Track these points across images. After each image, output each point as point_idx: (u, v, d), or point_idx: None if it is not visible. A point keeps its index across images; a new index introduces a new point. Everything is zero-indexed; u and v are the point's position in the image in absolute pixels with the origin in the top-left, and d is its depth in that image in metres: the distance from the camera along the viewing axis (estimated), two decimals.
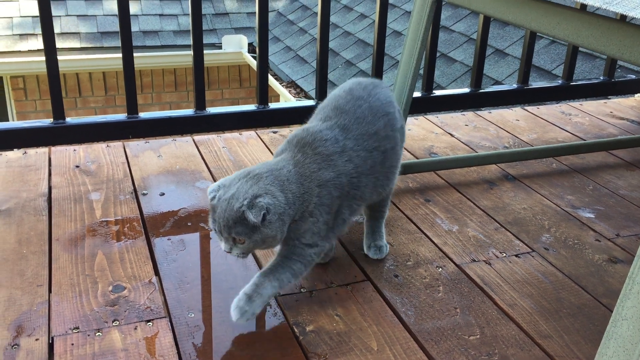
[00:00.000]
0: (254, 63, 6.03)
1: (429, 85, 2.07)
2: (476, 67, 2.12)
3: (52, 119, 1.76)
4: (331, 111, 1.33)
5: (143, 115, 1.81)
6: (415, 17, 1.54)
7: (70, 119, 1.78)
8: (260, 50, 1.88)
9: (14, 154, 1.90)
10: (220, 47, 6.29)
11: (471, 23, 4.43)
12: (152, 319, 1.23)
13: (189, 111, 1.89)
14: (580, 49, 2.34)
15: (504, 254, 1.50)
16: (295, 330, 1.23)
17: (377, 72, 2.05)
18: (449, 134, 2.21)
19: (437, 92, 2.17)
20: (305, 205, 1.20)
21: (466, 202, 1.74)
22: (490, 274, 1.42)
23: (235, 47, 6.21)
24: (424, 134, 2.20)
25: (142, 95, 6.43)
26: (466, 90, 2.17)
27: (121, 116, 1.80)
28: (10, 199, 1.66)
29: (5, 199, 1.66)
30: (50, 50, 1.67)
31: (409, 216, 1.66)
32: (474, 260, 1.48)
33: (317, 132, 1.27)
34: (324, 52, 1.92)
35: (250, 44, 6.34)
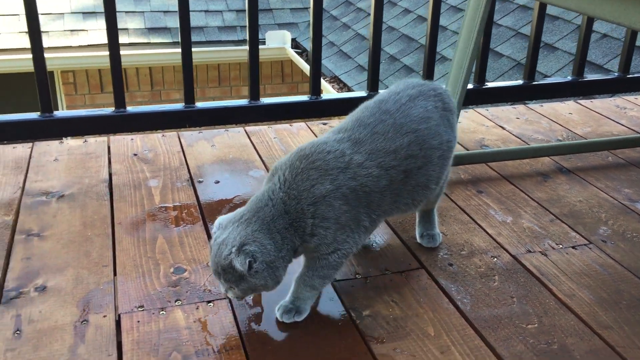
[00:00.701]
0: (296, 58, 6.07)
1: (481, 77, 2.06)
2: (530, 58, 2.09)
3: (113, 108, 1.82)
4: (351, 122, 1.24)
5: (199, 104, 1.86)
6: (472, 6, 1.54)
7: (130, 108, 1.84)
8: (314, 39, 1.90)
9: (75, 142, 1.97)
10: (263, 43, 6.34)
11: (519, 17, 4.36)
12: (213, 300, 1.27)
13: (243, 101, 1.92)
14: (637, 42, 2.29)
15: (561, 246, 1.49)
16: (352, 314, 1.25)
17: (429, 68, 2.05)
18: (500, 126, 2.19)
19: (490, 84, 2.16)
20: (301, 232, 1.14)
21: (520, 194, 1.73)
22: (546, 265, 1.41)
23: (278, 42, 6.26)
24: (474, 126, 2.19)
25: None
26: (519, 82, 2.15)
27: (178, 106, 1.85)
28: (74, 184, 1.72)
29: (68, 184, 1.72)
30: (113, 44, 1.73)
31: (462, 207, 1.66)
32: (530, 251, 1.47)
33: (321, 144, 1.18)
34: (377, 41, 1.93)
35: (293, 40, 6.38)
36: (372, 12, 1.93)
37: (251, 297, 1.28)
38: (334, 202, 1.14)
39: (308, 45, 6.11)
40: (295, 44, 6.37)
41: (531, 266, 1.41)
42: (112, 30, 1.69)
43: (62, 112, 1.80)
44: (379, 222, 1.26)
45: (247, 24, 1.84)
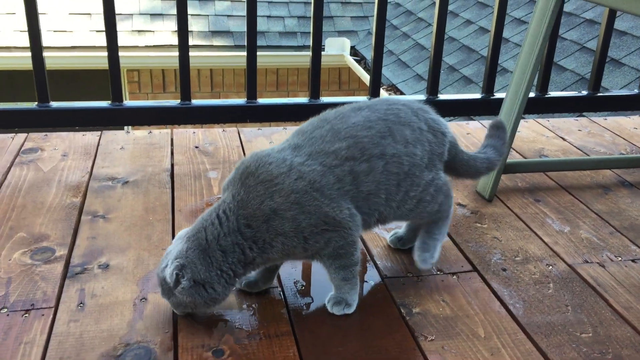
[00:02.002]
0: (355, 66, 6.11)
1: (544, 85, 2.03)
2: (595, 70, 2.05)
3: (179, 100, 1.89)
4: (293, 135, 1.24)
5: (261, 101, 1.90)
6: (539, 11, 1.52)
7: (195, 101, 1.91)
8: (376, 41, 1.93)
9: (140, 133, 2.05)
10: (322, 49, 6.40)
11: (585, 31, 4.27)
12: (268, 287, 1.30)
13: (303, 99, 1.96)
14: None
15: (620, 258, 1.45)
16: (402, 310, 1.25)
17: (490, 79, 2.04)
18: (561, 137, 2.15)
19: (553, 93, 2.12)
20: (260, 246, 1.13)
21: (579, 205, 1.70)
22: (604, 276, 1.38)
23: (337, 49, 6.32)
24: (534, 136, 2.16)
25: (244, 93, 6.70)
26: (583, 92, 2.11)
27: (241, 101, 1.90)
28: (137, 172, 1.79)
29: (133, 171, 1.79)
30: (183, 44, 1.81)
31: (517, 214, 1.64)
32: (587, 262, 1.44)
33: (264, 157, 1.17)
34: (439, 44, 1.93)
35: (352, 47, 6.42)
36: (435, 20, 1.94)
37: (302, 287, 1.31)
38: (286, 214, 1.12)
39: (367, 54, 6.14)
40: (354, 52, 6.41)
41: (588, 276, 1.38)
42: (183, 25, 1.76)
43: (130, 102, 1.89)
44: (357, 216, 1.20)
45: (312, 15, 1.87)
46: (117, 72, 1.80)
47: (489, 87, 2.04)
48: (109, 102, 1.85)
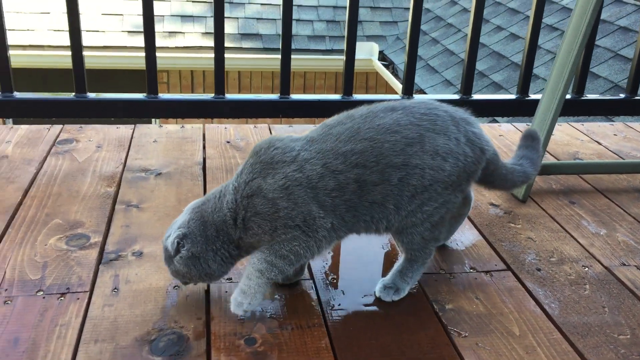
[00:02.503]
0: (383, 70, 6.10)
1: (580, 87, 2.00)
2: (634, 70, 2.02)
3: (213, 94, 1.90)
4: (318, 126, 1.20)
5: (294, 96, 1.91)
6: (579, 10, 1.50)
7: (229, 95, 1.92)
8: (411, 41, 1.92)
9: (173, 127, 2.07)
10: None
11: (619, 38, 4.20)
12: (298, 279, 1.29)
13: (336, 96, 1.96)
14: None
15: None
16: (435, 306, 1.24)
17: (524, 89, 2.02)
18: (596, 141, 2.12)
19: (590, 96, 2.09)
20: (238, 224, 1.12)
21: (615, 208, 1.67)
22: None
23: (365, 54, 6.32)
24: (568, 139, 2.13)
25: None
26: (621, 96, 2.07)
27: (274, 96, 1.91)
28: (170, 164, 1.81)
29: (166, 163, 1.81)
30: (219, 38, 1.83)
31: (552, 215, 1.62)
32: (624, 264, 1.41)
33: (275, 141, 1.15)
34: (475, 41, 1.92)
35: (380, 52, 6.41)
36: (472, 11, 1.93)
37: (334, 280, 1.30)
38: (269, 194, 1.09)
39: (396, 58, 6.13)
40: (382, 57, 6.41)
41: (625, 279, 1.35)
42: (219, 17, 1.78)
43: (165, 95, 1.90)
44: (341, 232, 1.15)
45: (345, 32, 1.89)
46: (154, 65, 1.83)
47: (524, 88, 2.01)
48: (145, 94, 1.87)
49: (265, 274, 1.14)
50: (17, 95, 1.83)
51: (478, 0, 1.90)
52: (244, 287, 1.15)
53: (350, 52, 1.91)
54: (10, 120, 5.68)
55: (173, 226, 1.17)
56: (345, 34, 1.90)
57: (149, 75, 1.83)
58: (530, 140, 1.41)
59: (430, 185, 1.14)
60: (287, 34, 1.87)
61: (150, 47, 1.81)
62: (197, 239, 1.13)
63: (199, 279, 1.18)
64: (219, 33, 1.82)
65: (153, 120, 5.52)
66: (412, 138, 1.13)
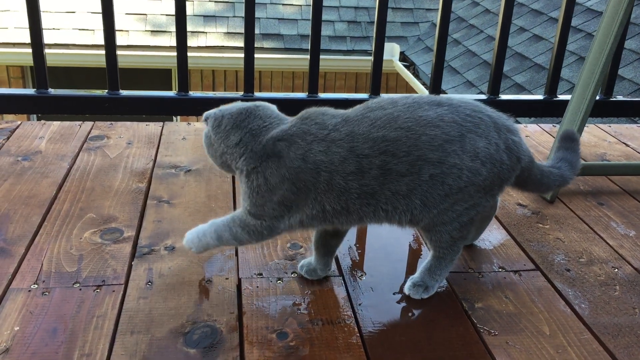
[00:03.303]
0: (404, 71, 6.10)
1: (609, 88, 1.99)
2: None
3: (242, 92, 1.93)
4: (362, 105, 1.19)
5: (322, 95, 1.93)
6: (611, 10, 1.50)
7: (257, 94, 1.94)
8: (439, 44, 1.93)
9: (201, 125, 2.10)
10: (372, 54, 6.42)
11: None
12: (327, 276, 1.31)
13: (364, 95, 1.98)
14: None
15: None
16: (464, 304, 1.25)
17: (551, 90, 2.02)
18: (624, 143, 2.11)
19: (619, 97, 2.08)
20: (247, 159, 1.15)
21: None
22: None
23: (387, 54, 6.29)
24: (595, 141, 2.12)
25: None
26: None
27: (302, 95, 1.93)
28: (199, 161, 1.83)
29: (195, 160, 1.83)
30: (249, 39, 1.85)
31: (581, 216, 1.61)
32: None
33: (319, 114, 1.16)
34: (502, 47, 1.92)
35: (401, 53, 6.41)
36: (500, 12, 1.93)
37: (362, 277, 1.31)
38: (282, 170, 1.11)
39: (417, 59, 6.12)
40: (403, 57, 6.40)
41: None
42: (250, 17, 1.80)
43: (196, 93, 1.93)
44: (341, 219, 1.15)
45: (376, 13, 1.89)
46: (185, 66, 1.86)
47: (551, 88, 2.01)
48: (176, 91, 1.90)
49: (222, 241, 1.22)
50: (52, 91, 1.87)
51: (507, 1, 1.90)
52: (201, 236, 1.23)
53: (379, 52, 1.93)
54: (35, 116, 5.78)
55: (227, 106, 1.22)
56: (374, 33, 1.92)
57: (180, 74, 1.86)
58: (569, 142, 1.37)
59: (466, 187, 1.14)
60: (316, 34, 1.89)
61: (182, 46, 1.84)
62: (220, 125, 1.19)
63: (216, 164, 1.26)
64: (249, 33, 1.84)
65: (173, 117, 5.57)
66: (452, 136, 1.11)
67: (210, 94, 1.96)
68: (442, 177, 1.12)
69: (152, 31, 6.23)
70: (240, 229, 1.19)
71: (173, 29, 6.31)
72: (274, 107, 1.23)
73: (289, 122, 1.18)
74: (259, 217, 1.17)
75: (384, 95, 1.24)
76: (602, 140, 2.13)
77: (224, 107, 1.21)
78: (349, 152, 1.10)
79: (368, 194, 1.12)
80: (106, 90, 1.90)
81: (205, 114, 1.22)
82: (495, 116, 1.19)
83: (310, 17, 1.86)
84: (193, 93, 1.90)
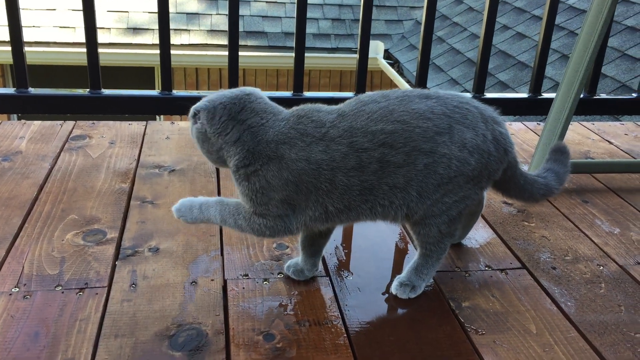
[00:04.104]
0: (388, 69, 6.10)
1: (592, 86, 2.01)
2: None
3: None
4: (353, 99, 1.19)
5: (307, 94, 1.91)
6: (595, 9, 1.50)
7: None
8: (424, 42, 1.92)
9: (185, 124, 2.07)
10: (356, 52, 6.42)
11: (626, 38, 4.20)
12: (314, 276, 1.30)
13: (349, 93, 1.97)
14: None
15: None
16: (451, 304, 1.24)
17: (536, 88, 2.03)
18: (607, 141, 2.12)
19: (603, 95, 2.09)
20: (245, 163, 1.13)
21: (628, 207, 1.67)
22: None
23: (371, 52, 6.30)
24: (579, 138, 2.13)
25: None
26: (633, 95, 2.08)
27: (287, 93, 1.91)
28: (183, 161, 1.81)
29: (178, 160, 1.81)
30: (233, 39, 1.84)
31: (566, 214, 1.62)
32: (639, 263, 1.41)
33: (314, 112, 1.15)
34: (487, 48, 1.92)
35: (386, 50, 6.41)
36: (485, 13, 1.93)
37: (349, 277, 1.30)
38: (284, 172, 1.11)
39: (401, 57, 6.13)
40: (387, 55, 6.40)
41: None
42: (234, 18, 1.78)
43: (180, 92, 1.91)
44: (342, 217, 1.16)
45: (361, 11, 1.88)
46: (168, 64, 1.83)
47: (536, 87, 2.01)
48: (159, 90, 1.87)
49: (224, 224, 1.20)
50: (32, 91, 1.84)
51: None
52: (203, 209, 1.21)
53: (364, 50, 1.92)
54: (15, 115, 5.69)
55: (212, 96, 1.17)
56: (359, 31, 1.91)
57: (163, 73, 1.84)
58: (559, 154, 1.38)
59: (455, 176, 1.15)
60: (301, 32, 1.87)
61: (165, 44, 1.82)
62: (213, 119, 1.14)
63: (205, 155, 1.21)
64: (233, 31, 1.82)
65: (157, 117, 5.52)
66: (442, 128, 1.14)
67: (193, 92, 1.94)
68: (434, 167, 1.14)
69: (134, 29, 6.17)
70: (245, 224, 1.18)
71: (155, 27, 6.29)
72: (263, 95, 1.20)
73: (284, 120, 1.15)
74: (264, 216, 1.16)
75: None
76: (585, 138, 2.14)
77: (211, 97, 1.16)
78: (349, 148, 1.11)
79: (367, 190, 1.14)
80: (88, 90, 1.87)
81: (194, 108, 1.16)
82: (482, 108, 1.21)
83: (295, 15, 1.85)
84: (177, 92, 1.88)
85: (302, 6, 1.84)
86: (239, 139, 1.14)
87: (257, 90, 1.20)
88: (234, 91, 1.18)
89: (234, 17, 1.80)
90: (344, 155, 1.11)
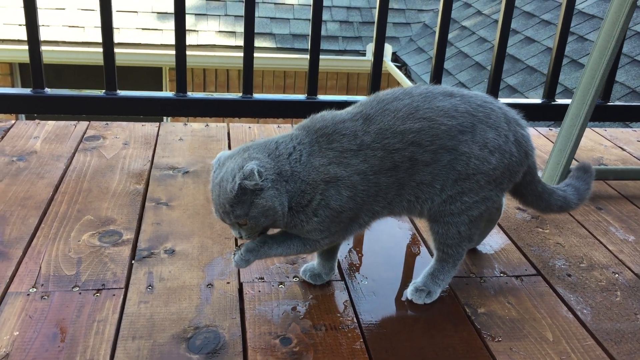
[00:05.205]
0: (395, 72, 6.10)
1: (606, 93, 2.00)
2: None
3: (241, 93, 1.91)
4: (370, 99, 1.19)
5: (321, 97, 1.92)
6: (612, 15, 1.50)
7: (257, 95, 1.93)
8: (439, 40, 1.92)
9: (198, 125, 2.08)
10: (364, 55, 6.42)
11: (636, 44, 4.19)
12: (329, 280, 1.30)
13: (363, 97, 1.97)
14: None
15: None
16: (467, 310, 1.24)
17: (550, 94, 2.02)
18: (620, 147, 2.12)
19: (617, 102, 2.09)
20: (306, 199, 1.10)
21: None
22: None
23: None
24: (591, 145, 2.13)
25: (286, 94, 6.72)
26: None
27: (301, 96, 1.92)
28: (197, 162, 1.82)
29: (192, 162, 1.82)
30: (248, 42, 1.84)
31: (580, 221, 1.62)
32: None
33: (339, 124, 1.13)
34: (501, 54, 1.92)
35: (394, 53, 6.41)
36: (500, 20, 1.93)
37: (365, 282, 1.31)
38: (343, 190, 1.10)
39: (409, 60, 6.13)
40: (395, 58, 6.40)
41: None
42: (249, 22, 1.79)
43: (194, 94, 1.91)
44: (380, 216, 1.18)
45: (376, 14, 1.89)
46: (183, 66, 1.84)
47: (550, 92, 2.01)
48: (174, 92, 1.88)
49: (286, 251, 1.17)
50: (49, 91, 1.84)
51: (507, 6, 1.91)
52: (259, 250, 1.14)
53: (379, 55, 1.92)
54: (23, 115, 5.71)
55: (225, 177, 1.08)
56: (374, 35, 1.91)
57: (178, 75, 1.85)
58: (582, 172, 1.39)
59: (474, 174, 1.16)
60: (316, 35, 1.87)
61: (180, 46, 1.83)
62: (267, 166, 1.07)
63: (280, 217, 1.10)
64: (248, 34, 1.83)
65: (164, 118, 5.53)
66: (465, 126, 1.15)
67: (207, 95, 1.94)
68: (454, 163, 1.15)
69: (143, 29, 6.18)
70: (310, 249, 1.18)
71: (164, 26, 6.30)
72: (260, 140, 1.16)
73: (313, 144, 1.12)
74: (329, 237, 1.16)
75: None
76: (598, 144, 2.14)
77: (246, 159, 1.08)
78: (384, 151, 1.12)
79: (401, 187, 1.15)
80: (103, 91, 1.87)
81: (244, 179, 1.04)
82: (505, 109, 1.22)
83: (311, 17, 1.85)
84: (191, 94, 1.88)
85: (317, 11, 1.84)
86: (291, 176, 1.09)
87: (249, 142, 1.17)
88: (238, 150, 1.14)
89: (250, 18, 1.80)
90: (381, 159, 1.12)
